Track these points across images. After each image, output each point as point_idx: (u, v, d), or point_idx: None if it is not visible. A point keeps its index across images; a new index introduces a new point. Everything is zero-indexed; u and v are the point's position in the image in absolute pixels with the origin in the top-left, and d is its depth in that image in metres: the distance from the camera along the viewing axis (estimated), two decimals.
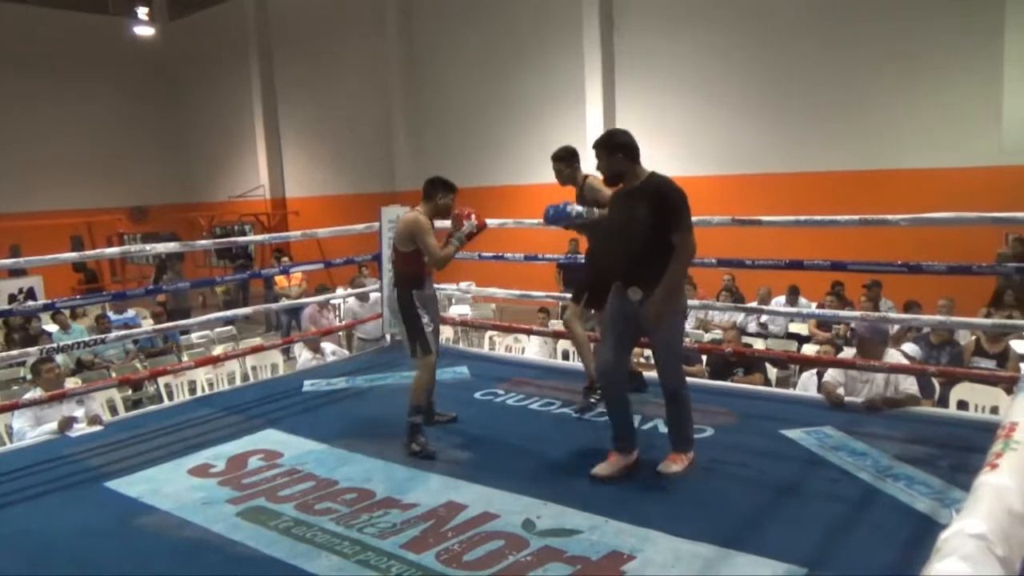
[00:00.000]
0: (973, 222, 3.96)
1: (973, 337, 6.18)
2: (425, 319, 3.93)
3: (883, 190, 8.92)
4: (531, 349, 7.18)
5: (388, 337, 6.12)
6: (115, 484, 3.56)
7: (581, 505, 3.07)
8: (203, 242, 5.89)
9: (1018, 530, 0.55)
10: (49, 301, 6.89)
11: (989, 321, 5.10)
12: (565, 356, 7.01)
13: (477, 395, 4.76)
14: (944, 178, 8.63)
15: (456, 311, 9.18)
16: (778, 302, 8.62)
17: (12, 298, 10.72)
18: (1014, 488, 0.58)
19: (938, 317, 5.53)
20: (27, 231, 13.85)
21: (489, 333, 7.57)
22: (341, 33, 14.96)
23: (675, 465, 3.41)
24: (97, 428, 4.38)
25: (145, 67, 17.84)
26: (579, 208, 4.11)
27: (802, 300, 8.64)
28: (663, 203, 3.34)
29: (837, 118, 9.58)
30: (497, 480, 3.36)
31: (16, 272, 11.50)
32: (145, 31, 16.27)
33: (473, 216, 3.96)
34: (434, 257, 3.88)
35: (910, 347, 6.02)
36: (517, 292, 6.16)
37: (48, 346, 4.97)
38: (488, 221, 6.44)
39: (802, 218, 4.63)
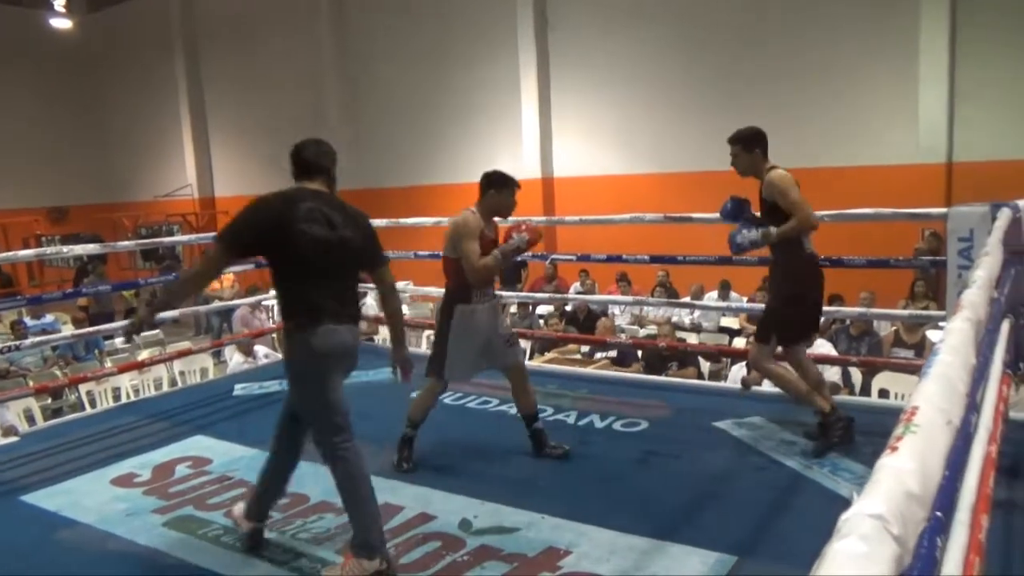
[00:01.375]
0: (890, 218, 4.13)
1: (893, 328, 6.45)
2: (455, 344, 3.46)
3: (807, 187, 9.19)
4: None
5: None
6: (32, 498, 3.39)
7: (518, 503, 3.07)
8: (126, 243, 5.67)
9: (914, 510, 0.57)
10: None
11: (906, 312, 5.33)
12: None
13: (413, 395, 4.71)
14: (864, 176, 8.98)
15: None
16: (711, 297, 8.82)
17: None
18: (912, 470, 0.61)
19: (859, 309, 5.76)
20: None
21: (427, 332, 7.52)
22: (272, 28, 14.61)
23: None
24: (12, 439, 4.17)
25: (63, 61, 17.07)
26: (753, 235, 3.57)
27: (733, 295, 8.86)
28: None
29: (763, 117, 9.73)
30: (434, 480, 3.34)
31: None
32: (62, 23, 15.56)
33: (525, 229, 3.45)
34: (469, 265, 3.39)
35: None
36: None
37: None
38: (425, 220, 6.40)
39: None
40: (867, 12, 9.23)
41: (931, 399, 0.79)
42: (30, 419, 5.25)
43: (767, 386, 4.44)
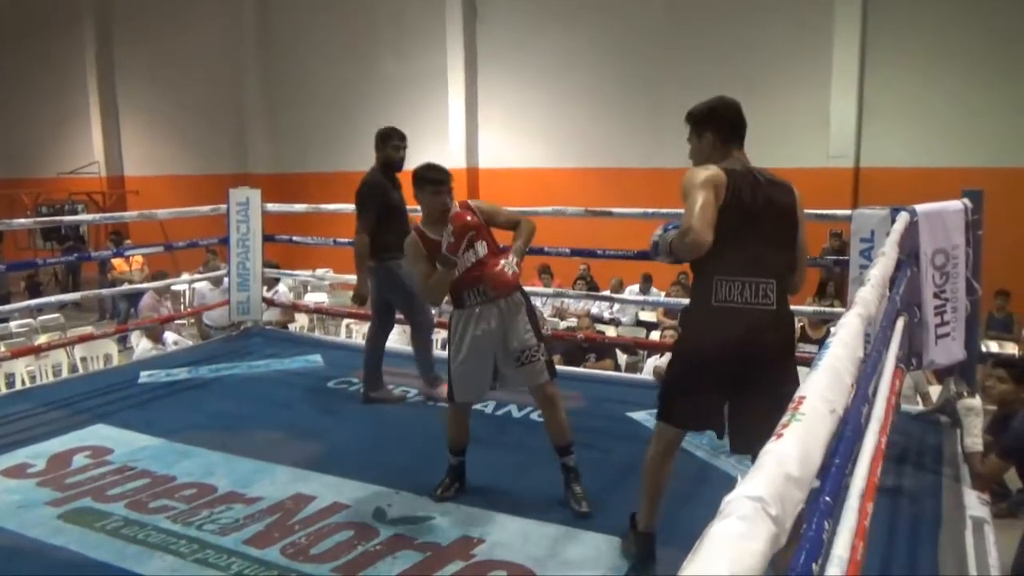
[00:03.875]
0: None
1: (799, 324, 6.74)
2: (455, 357, 3.00)
3: None
4: (390, 337, 7.07)
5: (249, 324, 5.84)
6: None
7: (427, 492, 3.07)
8: (22, 220, 5.35)
9: (792, 492, 0.60)
10: None
11: (810, 308, 5.58)
12: None
13: (330, 384, 4.64)
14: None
15: (312, 298, 8.91)
16: (632, 291, 9.01)
17: None
18: (793, 455, 0.64)
19: None
20: None
21: (346, 321, 7.41)
22: (192, 3, 14.03)
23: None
24: None
25: None
26: (668, 235, 2.38)
27: (652, 289, 9.08)
28: None
29: (682, 116, 10.11)
30: (348, 470, 3.29)
31: None
32: None
33: (450, 220, 2.89)
34: (421, 291, 3.16)
35: None
36: None
37: None
38: (345, 207, 6.30)
39: (650, 211, 4.85)
40: (784, 21, 9.60)
41: (817, 389, 0.83)
42: None
43: None
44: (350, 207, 6.05)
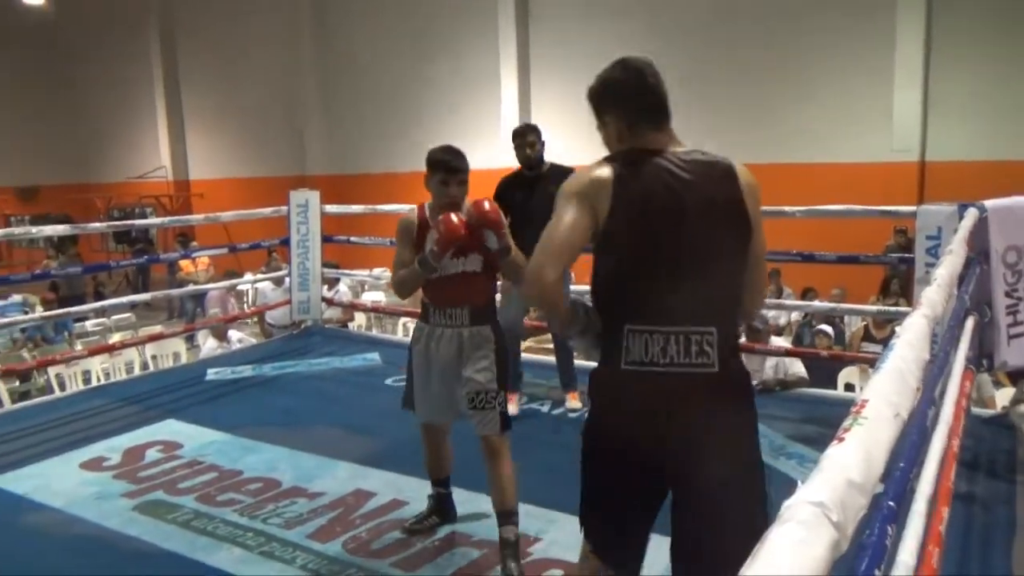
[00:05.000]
0: (860, 215, 4.20)
1: (863, 323, 6.56)
2: (411, 371, 2.72)
3: (785, 183, 9.32)
4: None
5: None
6: None
7: (487, 490, 3.09)
8: (96, 224, 5.60)
9: (855, 498, 0.60)
10: None
11: (874, 308, 5.43)
12: None
13: (388, 381, 4.72)
14: (838, 172, 9.10)
15: (369, 297, 9.06)
16: None
17: None
18: (855, 460, 0.63)
19: (829, 304, 5.85)
20: None
21: (403, 320, 7.51)
22: (250, 10, 14.42)
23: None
24: None
25: (34, 38, 16.71)
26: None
27: None
28: None
29: (740, 112, 9.95)
30: (406, 467, 3.34)
31: None
32: (35, 0, 15.23)
33: (441, 222, 2.46)
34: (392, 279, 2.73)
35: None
36: None
37: None
38: (402, 207, 6.38)
39: None
40: (844, 11, 9.34)
41: (881, 392, 0.82)
42: None
43: None
44: (406, 207, 6.14)
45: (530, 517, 2.86)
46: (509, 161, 12.36)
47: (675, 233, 1.56)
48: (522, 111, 11.63)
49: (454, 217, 2.43)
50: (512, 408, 3.46)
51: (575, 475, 3.25)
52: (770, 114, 9.79)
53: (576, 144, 11.31)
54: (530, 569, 2.54)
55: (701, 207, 1.57)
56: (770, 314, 5.58)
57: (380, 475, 3.29)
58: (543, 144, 3.97)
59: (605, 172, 1.63)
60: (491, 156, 11.67)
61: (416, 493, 3.11)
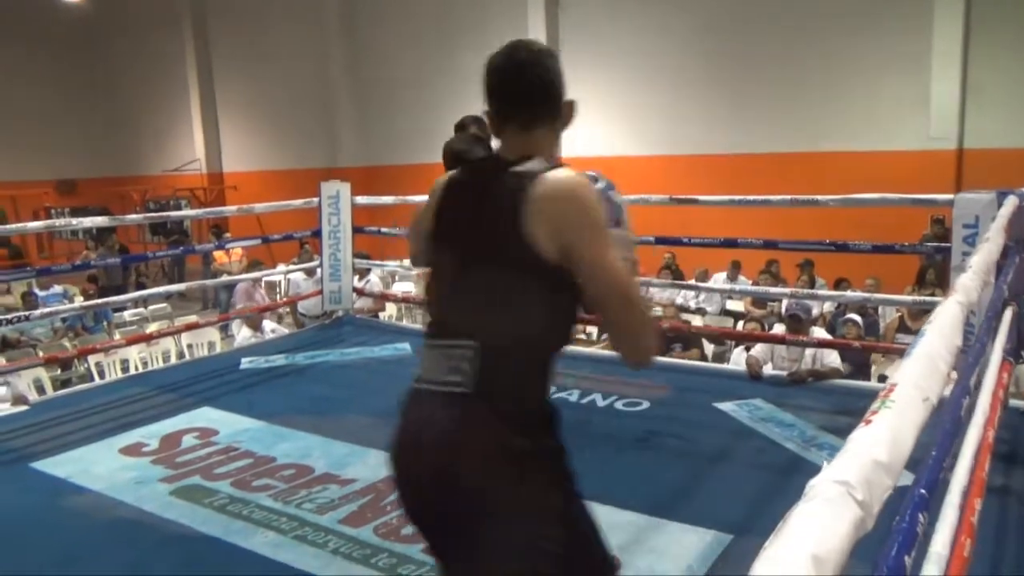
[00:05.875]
0: (896, 203, 4.13)
1: (898, 314, 6.45)
2: None
3: (818, 171, 9.20)
4: None
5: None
6: (42, 465, 3.46)
7: None
8: (134, 216, 5.72)
9: (880, 477, 0.60)
10: None
11: (910, 298, 5.34)
12: None
13: None
14: (873, 161, 8.94)
15: (400, 288, 9.13)
16: (718, 279, 8.83)
17: None
18: (882, 440, 0.63)
19: (862, 294, 5.77)
20: None
21: None
22: (281, 4, 14.55)
23: None
24: (22, 408, 4.23)
25: (71, 33, 17.04)
26: None
27: (741, 278, 8.87)
28: None
29: (772, 100, 9.81)
30: None
31: None
32: None
33: None
34: None
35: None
36: None
37: None
38: (426, 198, 6.40)
39: (736, 198, 4.75)
40: (885, 1, 9.15)
41: (910, 376, 0.82)
42: (40, 389, 5.32)
43: (770, 369, 4.48)
44: None
45: None
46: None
47: (452, 240, 1.46)
48: None
49: None
50: None
51: (603, 464, 3.28)
52: (803, 102, 9.65)
53: (607, 133, 11.34)
54: None
55: (480, 215, 1.41)
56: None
57: None
58: (489, 137, 3.64)
59: (443, 177, 1.60)
60: None
61: None
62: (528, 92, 1.47)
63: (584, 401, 4.10)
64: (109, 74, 17.71)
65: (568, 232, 1.32)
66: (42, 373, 5.49)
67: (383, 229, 6.49)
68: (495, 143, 1.57)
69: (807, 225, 7.40)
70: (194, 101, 16.09)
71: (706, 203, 4.93)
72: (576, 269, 1.34)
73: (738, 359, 5.69)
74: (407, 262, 7.09)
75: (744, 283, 8.68)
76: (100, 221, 5.73)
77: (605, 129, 11.37)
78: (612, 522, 2.72)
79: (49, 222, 9.70)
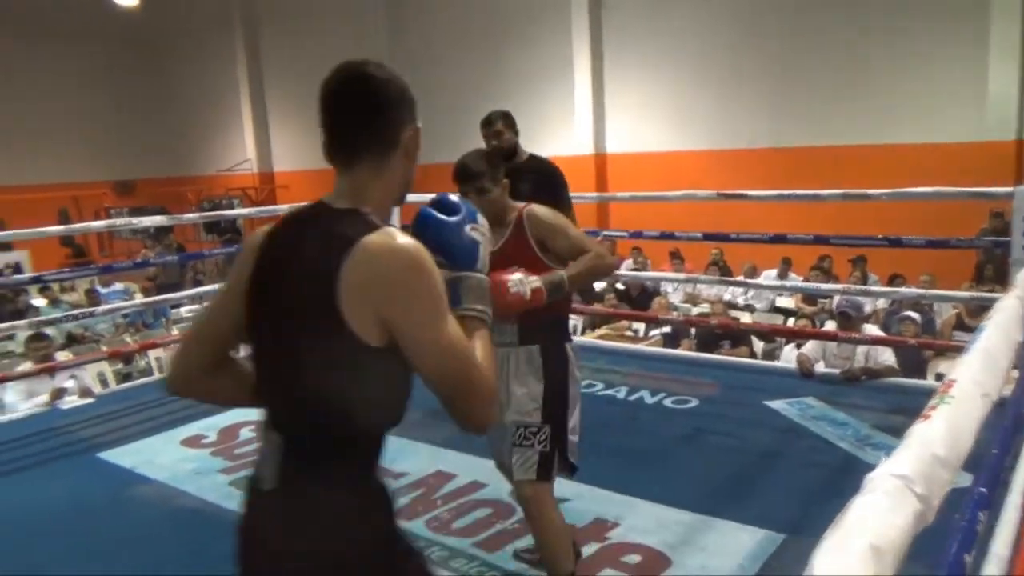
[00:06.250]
0: (952, 196, 4.03)
1: (955, 311, 6.28)
2: None
3: (870, 164, 8.99)
4: None
5: None
6: (108, 455, 3.61)
7: None
8: (190, 215, 5.89)
9: (939, 472, 0.60)
10: (37, 274, 6.88)
11: (967, 294, 5.19)
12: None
13: None
14: (928, 153, 8.69)
15: None
16: (768, 276, 8.70)
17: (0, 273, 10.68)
18: (940, 434, 0.64)
19: (917, 290, 5.63)
20: (12, 205, 13.71)
21: None
22: (328, 7, 14.78)
23: None
24: (88, 400, 4.42)
25: (126, 36, 17.55)
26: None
27: (791, 275, 8.72)
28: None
29: (820, 93, 9.60)
30: (485, 450, 3.39)
31: (2, 247, 11.42)
32: (128, 1, 16.02)
33: None
34: None
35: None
36: None
37: (38, 319, 4.98)
38: None
39: (785, 192, 4.69)
40: None
41: (969, 372, 0.82)
42: (103, 382, 5.54)
43: (821, 367, 4.41)
44: None
45: (609, 502, 2.89)
46: (584, 149, 12.30)
47: (260, 314, 1.23)
48: (595, 99, 11.56)
49: None
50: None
51: (652, 462, 3.28)
52: (854, 93, 9.42)
53: (646, 126, 11.24)
54: (608, 553, 2.57)
55: (288, 273, 1.19)
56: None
57: (459, 457, 3.37)
58: (516, 132, 3.37)
59: (262, 231, 1.30)
60: (566, 144, 11.68)
61: (494, 475, 3.17)
62: (345, 121, 1.25)
63: (632, 398, 4.10)
64: (163, 77, 18.21)
65: (388, 310, 1.11)
66: (105, 367, 5.71)
67: None
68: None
69: (859, 220, 7.26)
70: (245, 102, 16.45)
71: (755, 198, 4.88)
72: (404, 349, 1.14)
73: (789, 357, 5.61)
74: None
75: (795, 280, 8.54)
76: (158, 220, 5.93)
77: (649, 125, 11.29)
78: (661, 519, 2.74)
79: (110, 221, 10.05)
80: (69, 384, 4.65)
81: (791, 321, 7.19)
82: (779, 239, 4.96)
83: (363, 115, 1.24)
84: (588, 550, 2.58)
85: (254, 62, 16.31)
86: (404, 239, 1.15)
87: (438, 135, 13.94)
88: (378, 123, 1.24)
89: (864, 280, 7.90)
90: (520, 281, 1.94)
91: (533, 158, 3.36)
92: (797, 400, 3.91)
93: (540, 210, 2.22)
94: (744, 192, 4.86)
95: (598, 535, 2.67)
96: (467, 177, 2.19)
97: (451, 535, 2.73)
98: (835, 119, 9.56)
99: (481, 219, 1.31)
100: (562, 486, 3.03)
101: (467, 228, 1.27)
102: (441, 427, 3.71)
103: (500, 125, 3.31)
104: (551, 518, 2.15)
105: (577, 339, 6.34)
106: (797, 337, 5.54)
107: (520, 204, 2.24)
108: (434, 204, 1.31)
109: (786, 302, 8.34)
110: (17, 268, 11.15)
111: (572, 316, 7.05)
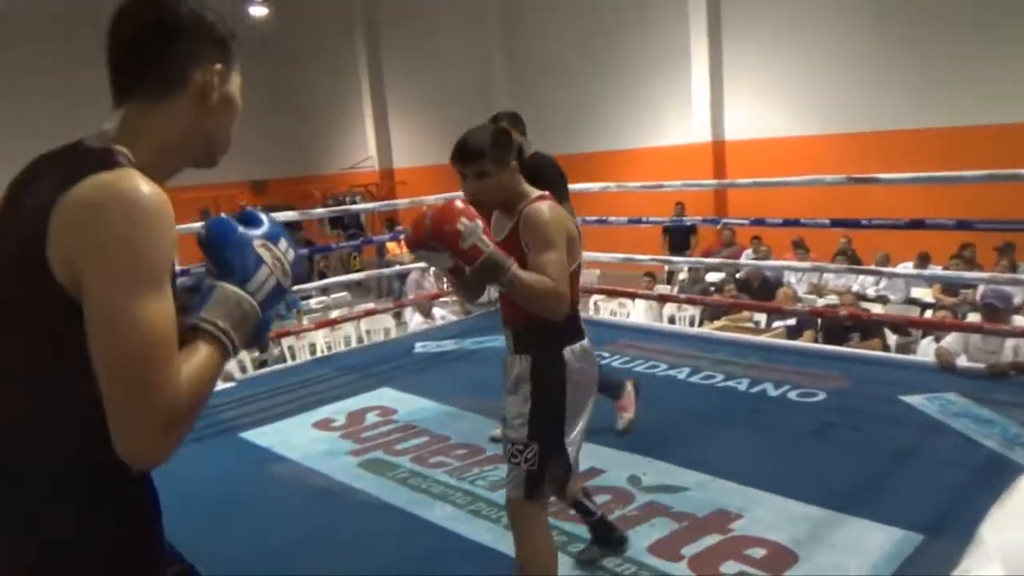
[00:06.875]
0: None
1: None
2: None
3: (1013, 145, 8.25)
4: (636, 313, 7.16)
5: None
6: (249, 435, 3.86)
7: (687, 463, 3.09)
8: (319, 210, 6.19)
9: None
10: (183, 268, 7.41)
11: None
12: (671, 320, 6.96)
13: None
14: None
15: None
16: (904, 268, 8.18)
17: None
18: None
19: None
20: None
21: (594, 298, 7.59)
22: (443, 8, 15.10)
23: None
24: (230, 384, 4.74)
25: (257, 47, 18.62)
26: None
27: (929, 266, 8.15)
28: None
29: (960, 70, 8.88)
30: (603, 437, 3.40)
31: None
32: (260, 11, 16.97)
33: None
34: None
35: None
36: (621, 256, 6.14)
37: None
38: (591, 185, 6.40)
39: (923, 175, 4.40)
40: None
41: None
42: (242, 368, 5.92)
43: (963, 362, 4.12)
44: (596, 186, 6.19)
45: (731, 494, 2.83)
46: (701, 136, 12.02)
47: None
48: (713, 85, 11.22)
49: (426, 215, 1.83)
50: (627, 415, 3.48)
51: (777, 454, 3.17)
52: (994, 69, 8.66)
53: (766, 111, 10.79)
54: (730, 545, 2.51)
55: (4, 231, 1.00)
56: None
57: None
58: (523, 133, 3.43)
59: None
60: (684, 132, 11.42)
61: (611, 462, 3.18)
62: (115, 47, 1.04)
63: (754, 390, 3.97)
64: (291, 84, 19.18)
65: (78, 259, 0.91)
66: (244, 354, 6.10)
67: None
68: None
69: (1006, 203, 6.68)
70: (366, 103, 17.11)
71: (888, 181, 4.61)
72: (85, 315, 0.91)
73: (926, 350, 5.27)
74: None
75: (934, 270, 7.98)
76: (290, 215, 6.26)
77: (771, 109, 10.85)
78: (787, 513, 2.65)
79: None
80: None
81: (928, 313, 6.74)
82: (917, 224, 4.64)
83: (135, 42, 1.03)
84: (709, 541, 2.53)
85: (375, 63, 16.92)
86: (133, 182, 0.93)
87: (553, 127, 14.03)
88: (152, 52, 1.02)
89: (1013, 269, 7.28)
90: (474, 227, 1.74)
91: (534, 156, 3.29)
92: (936, 395, 3.67)
93: (537, 213, 1.94)
94: (876, 176, 4.59)
95: (720, 526, 2.61)
96: (465, 157, 1.97)
97: (569, 520, 2.74)
98: (976, 96, 8.83)
99: (287, 247, 1.10)
100: (683, 475, 2.99)
101: (256, 244, 1.05)
102: None
103: (506, 125, 3.16)
104: (537, 541, 2.01)
105: (695, 330, 6.22)
106: (937, 329, 5.19)
107: (536, 194, 2.02)
108: (239, 216, 1.10)
109: (922, 293, 7.81)
110: None
111: (689, 307, 6.93)
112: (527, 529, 2.00)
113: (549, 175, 3.16)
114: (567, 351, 2.00)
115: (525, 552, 2.00)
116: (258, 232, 1.07)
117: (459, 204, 1.78)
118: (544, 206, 1.97)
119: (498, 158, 1.96)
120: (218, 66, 1.08)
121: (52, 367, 0.96)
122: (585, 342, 2.06)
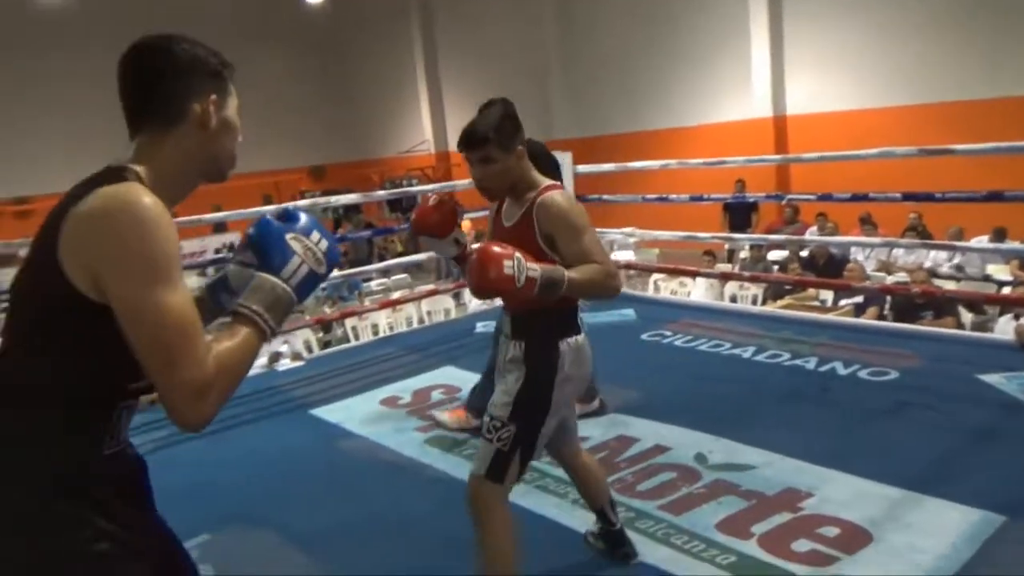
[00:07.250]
0: None
1: None
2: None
3: None
4: (697, 292, 7.07)
5: None
6: (318, 412, 3.98)
7: (753, 441, 3.06)
8: (380, 193, 6.28)
9: None
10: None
11: None
12: (733, 299, 6.86)
13: (644, 336, 4.80)
14: None
15: (620, 256, 9.18)
16: (980, 243, 7.86)
17: (217, 252, 11.97)
18: None
19: None
20: (226, 192, 15.30)
21: (654, 277, 7.53)
22: None
23: None
24: (299, 363, 4.88)
25: (315, 32, 18.88)
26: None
27: (1007, 241, 7.81)
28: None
29: None
30: (667, 416, 3.41)
31: (219, 228, 12.79)
32: (315, 0, 17.20)
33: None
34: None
35: None
36: (682, 234, 6.06)
37: None
38: (651, 163, 6.31)
39: (1002, 145, 4.20)
40: None
41: None
42: (308, 348, 6.08)
43: None
44: (656, 163, 6.11)
45: (801, 472, 2.79)
46: (762, 112, 11.73)
47: None
48: (774, 58, 10.91)
49: (432, 203, 2.12)
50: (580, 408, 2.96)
51: (848, 433, 3.11)
52: None
53: (831, 83, 10.44)
54: (802, 523, 2.48)
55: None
56: None
57: (641, 423, 3.39)
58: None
59: None
60: (744, 109, 11.16)
61: (677, 440, 3.17)
62: (125, 92, 1.21)
63: (823, 369, 3.90)
64: (347, 67, 19.42)
65: (98, 264, 1.07)
66: (310, 334, 6.26)
67: (605, 196, 6.56)
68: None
69: None
70: (422, 87, 17.21)
71: (964, 152, 4.42)
72: (114, 311, 1.08)
73: (1004, 329, 5.07)
74: (628, 229, 7.17)
75: (1013, 245, 7.64)
76: (352, 198, 6.40)
77: (835, 81, 10.49)
78: (860, 492, 2.61)
79: (313, 201, 10.90)
80: (283, 348, 5.17)
81: (1006, 290, 6.47)
82: (995, 196, 4.45)
83: (140, 87, 1.21)
84: (779, 519, 2.51)
85: (430, 48, 16.99)
86: (138, 193, 1.09)
87: (609, 108, 13.91)
88: (155, 92, 1.20)
89: None
90: (517, 263, 1.71)
91: (528, 143, 3.20)
92: (1016, 374, 3.54)
93: (558, 200, 1.94)
94: (951, 147, 4.40)
95: (790, 505, 2.59)
96: (471, 143, 1.99)
97: (636, 497, 2.75)
98: None
99: (320, 238, 1.25)
100: (750, 453, 2.96)
101: (288, 236, 1.22)
102: (621, 394, 3.75)
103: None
104: (495, 524, 1.97)
105: (758, 309, 6.11)
106: (1016, 306, 4.99)
107: (546, 183, 2.02)
108: (279, 214, 1.28)
109: (999, 271, 7.49)
110: (231, 247, 12.46)
111: (751, 286, 6.80)
112: (488, 512, 1.97)
113: (544, 163, 3.12)
114: (563, 344, 2.02)
115: (482, 536, 1.98)
116: (291, 227, 1.24)
117: (494, 248, 1.74)
118: (557, 194, 1.98)
119: (503, 144, 1.97)
120: (213, 96, 1.23)
121: (45, 349, 1.13)
122: (581, 337, 2.07)
